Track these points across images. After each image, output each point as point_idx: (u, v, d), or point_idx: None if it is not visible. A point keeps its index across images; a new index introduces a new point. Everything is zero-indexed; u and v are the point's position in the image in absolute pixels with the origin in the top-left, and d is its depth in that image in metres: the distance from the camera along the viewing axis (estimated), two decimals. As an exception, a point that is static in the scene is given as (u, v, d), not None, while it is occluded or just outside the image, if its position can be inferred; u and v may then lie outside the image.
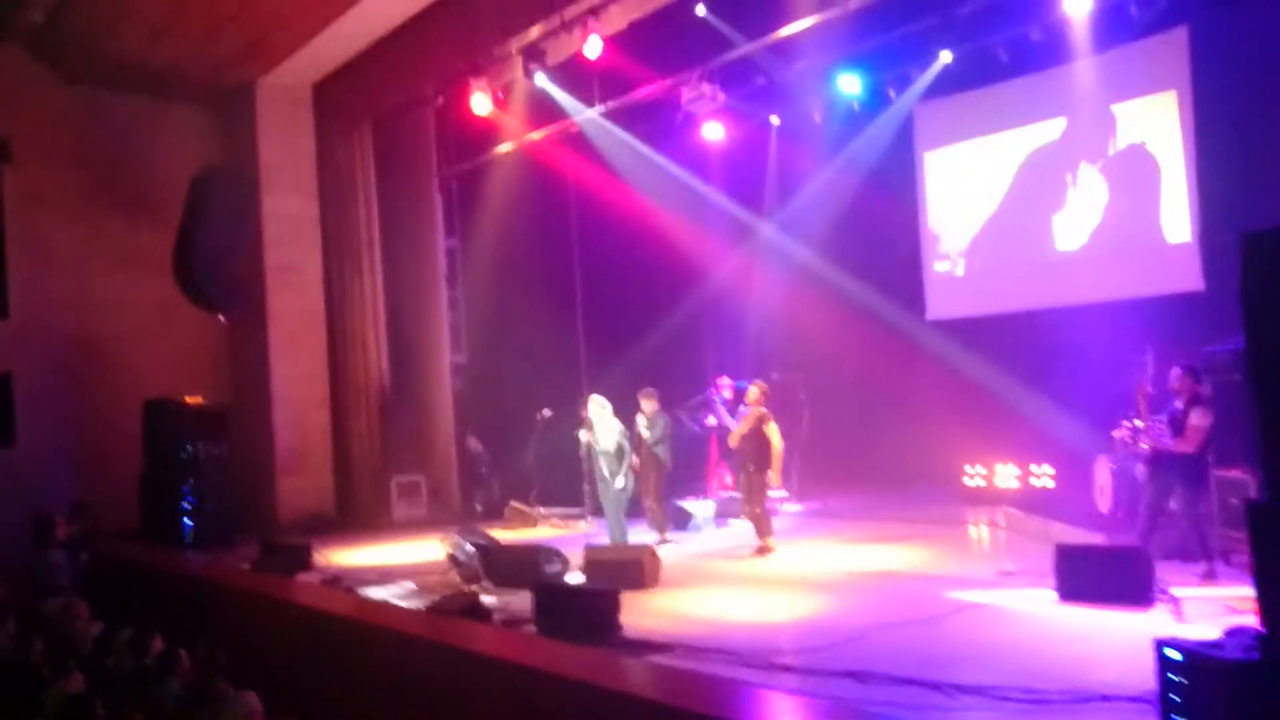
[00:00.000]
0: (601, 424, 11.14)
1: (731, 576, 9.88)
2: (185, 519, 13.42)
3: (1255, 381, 5.18)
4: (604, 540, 11.18)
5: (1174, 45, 11.76)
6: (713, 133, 15.04)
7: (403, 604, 9.23)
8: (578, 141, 14.62)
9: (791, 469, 13.63)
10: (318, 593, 9.96)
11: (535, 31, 12.32)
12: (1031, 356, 12.87)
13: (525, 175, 15.78)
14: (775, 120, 15.70)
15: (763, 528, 10.84)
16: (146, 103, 15.91)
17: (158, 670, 7.31)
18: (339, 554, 12.30)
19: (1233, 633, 5.15)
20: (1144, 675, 5.25)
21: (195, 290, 14.88)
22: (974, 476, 13.33)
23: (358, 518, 15.18)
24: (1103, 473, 10.83)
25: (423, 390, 15.77)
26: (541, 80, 12.76)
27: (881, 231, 15.14)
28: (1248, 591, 5.81)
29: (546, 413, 14.15)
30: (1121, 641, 6.52)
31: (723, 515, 13.05)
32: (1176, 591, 7.47)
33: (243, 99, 15.77)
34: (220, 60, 14.81)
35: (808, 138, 15.22)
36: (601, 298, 15.74)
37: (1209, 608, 7.19)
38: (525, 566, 9.56)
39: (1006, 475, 13.01)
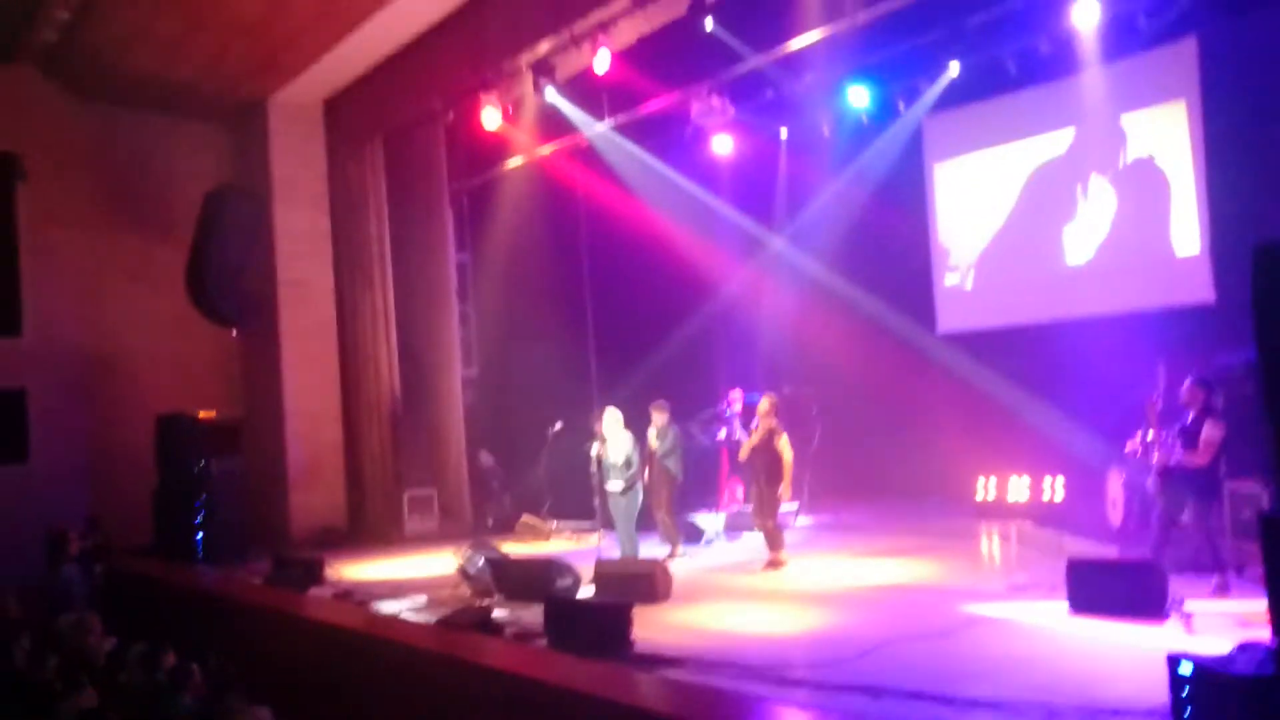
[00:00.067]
0: (614, 437, 11.14)
1: (743, 590, 9.86)
2: (198, 533, 13.46)
3: (1267, 393, 5.18)
4: (615, 554, 11.17)
5: (1183, 55, 11.75)
6: (722, 146, 15.11)
7: (414, 618, 9.24)
8: (588, 156, 14.68)
9: (803, 482, 13.63)
10: (330, 607, 9.98)
11: (545, 46, 12.36)
12: (1042, 369, 12.85)
13: (536, 189, 15.84)
14: (784, 133, 15.71)
15: (774, 541, 10.82)
16: (159, 120, 16.03)
17: (170, 685, 7.32)
18: (351, 568, 12.31)
19: (1245, 647, 5.14)
20: (1157, 690, 5.23)
21: (208, 305, 14.96)
22: (985, 489, 13.30)
23: (370, 532, 15.21)
24: (1115, 485, 10.79)
25: (434, 404, 15.80)
26: (551, 95, 12.80)
27: (891, 244, 15.13)
28: (1261, 605, 5.79)
29: (558, 426, 14.15)
30: (1134, 655, 6.48)
31: (734, 529, 13.03)
32: (1189, 605, 7.44)
33: (255, 115, 15.87)
34: (233, 77, 14.91)
35: (817, 150, 15.23)
36: (612, 311, 15.76)
37: (1222, 621, 7.15)
38: (537, 580, 9.54)
39: (1018, 488, 12.99)
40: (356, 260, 15.94)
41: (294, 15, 13.03)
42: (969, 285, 14.68)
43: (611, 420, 11.21)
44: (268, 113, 15.74)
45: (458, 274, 16.31)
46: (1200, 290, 11.62)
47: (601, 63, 11.59)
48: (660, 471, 11.51)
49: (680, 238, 15.64)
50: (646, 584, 9.21)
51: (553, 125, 14.27)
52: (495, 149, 15.29)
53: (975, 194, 14.48)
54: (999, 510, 12.73)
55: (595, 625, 7.61)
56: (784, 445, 10.77)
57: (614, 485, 11.14)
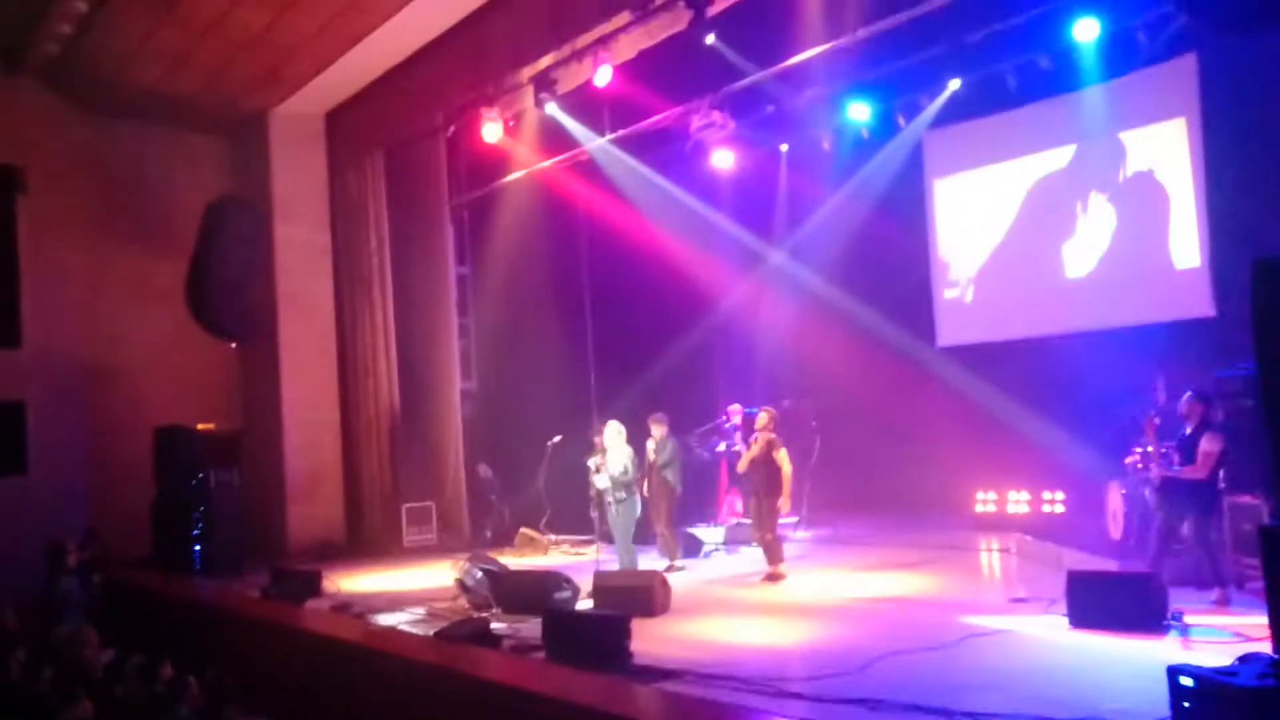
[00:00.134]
0: (614, 448, 11.14)
1: (742, 603, 9.86)
2: (196, 546, 13.43)
3: (1267, 407, 5.19)
4: (614, 567, 11.15)
5: (1183, 73, 11.78)
6: (722, 160, 15.15)
7: (412, 630, 9.22)
8: (588, 170, 14.71)
9: (802, 495, 13.63)
10: (327, 619, 9.94)
11: (546, 61, 12.40)
12: (1042, 382, 12.87)
13: (536, 203, 15.86)
14: (785, 148, 15.75)
15: (773, 554, 10.81)
16: (160, 133, 16.07)
17: (167, 697, 7.29)
18: (349, 581, 12.29)
19: (1246, 659, 5.13)
20: (1157, 702, 5.22)
21: (207, 318, 14.96)
22: (985, 502, 13.33)
23: (368, 544, 15.19)
24: (1115, 498, 10.79)
25: (433, 417, 15.79)
26: (552, 109, 12.85)
27: (891, 258, 15.15)
28: (1261, 618, 5.78)
29: (557, 439, 14.15)
30: (1134, 668, 6.48)
31: (733, 542, 13.04)
32: (1189, 618, 7.43)
33: (256, 128, 15.91)
34: (234, 91, 14.96)
35: (817, 165, 15.27)
36: (612, 325, 15.76)
37: (1222, 634, 7.14)
38: (535, 593, 9.54)
39: (1018, 501, 13.00)
40: (356, 273, 15.96)
41: (296, 29, 13.07)
42: (969, 299, 14.69)
43: (613, 432, 11.22)
44: (269, 126, 15.78)
45: (457, 287, 16.32)
46: (1200, 304, 11.63)
47: (602, 77, 11.63)
48: (659, 484, 11.52)
49: (680, 252, 15.65)
50: (645, 596, 9.20)
51: (553, 139, 14.30)
52: (496, 163, 15.33)
53: (975, 209, 14.51)
54: (999, 522, 12.74)
55: (593, 638, 7.59)
56: (783, 458, 10.77)
57: (612, 495, 11.13)
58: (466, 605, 10.01)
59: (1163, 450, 8.85)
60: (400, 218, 16.12)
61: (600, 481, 11.15)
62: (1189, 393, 8.69)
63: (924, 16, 10.40)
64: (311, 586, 11.33)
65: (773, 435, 10.89)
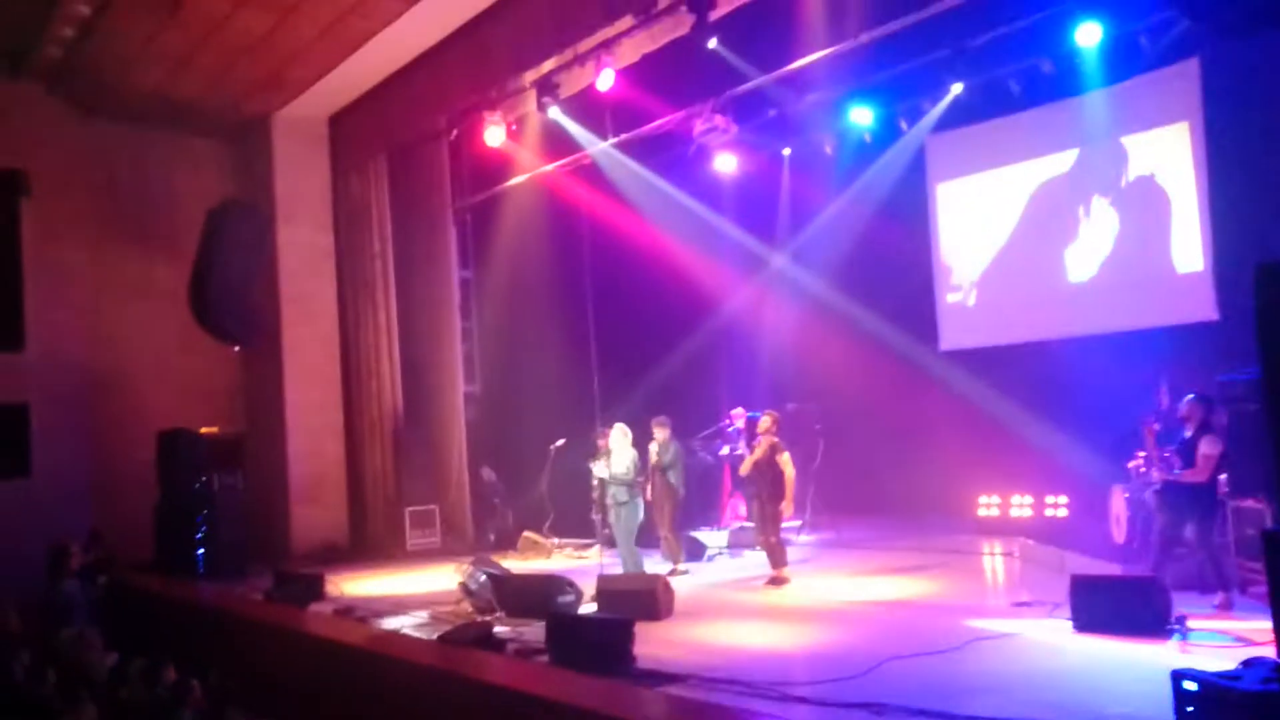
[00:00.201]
0: (618, 451, 11.15)
1: (745, 607, 9.85)
2: (199, 549, 13.44)
3: (1271, 411, 5.19)
4: (618, 570, 11.15)
5: (1185, 77, 11.79)
6: (725, 164, 15.17)
7: (416, 634, 9.22)
8: (591, 173, 14.72)
9: (805, 499, 13.64)
10: (330, 623, 9.96)
11: (548, 65, 12.43)
12: (1045, 387, 12.86)
13: (539, 207, 15.89)
14: (787, 152, 15.78)
15: (777, 558, 10.81)
16: (163, 136, 16.09)
17: (171, 700, 7.30)
18: (352, 584, 12.29)
19: (1250, 664, 5.13)
20: (1161, 707, 5.22)
21: (211, 321, 14.96)
22: (988, 506, 13.32)
23: (371, 548, 15.20)
24: (1118, 503, 10.78)
25: (436, 420, 15.80)
26: (555, 113, 12.87)
27: (894, 262, 15.15)
28: (1265, 623, 5.78)
29: (560, 442, 14.16)
30: (1138, 673, 6.48)
31: (736, 545, 13.04)
32: (1193, 623, 7.43)
33: (259, 132, 15.93)
34: (237, 94, 14.98)
35: (820, 169, 15.28)
36: (615, 329, 15.78)
37: (1226, 639, 7.14)
38: (538, 597, 9.54)
39: (1021, 505, 13.00)
40: (359, 276, 15.98)
41: (299, 33, 13.10)
42: (971, 302, 14.70)
43: (618, 435, 11.23)
44: (272, 129, 15.81)
45: (460, 290, 16.32)
46: (1203, 308, 11.63)
47: (604, 81, 11.65)
48: (663, 486, 11.52)
49: (683, 255, 15.68)
50: (648, 600, 9.20)
51: (556, 143, 14.32)
52: (498, 166, 15.35)
53: (978, 213, 14.52)
54: (1002, 527, 12.73)
55: (597, 641, 7.59)
56: (786, 461, 10.78)
57: (613, 495, 11.14)
58: (470, 609, 10.00)
59: (1163, 455, 8.85)
60: (403, 221, 16.14)
61: (599, 470, 11.16)
62: (1190, 395, 8.69)
63: (926, 21, 10.42)
64: (315, 590, 11.34)
65: (776, 439, 10.90)
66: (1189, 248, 12.08)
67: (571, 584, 9.80)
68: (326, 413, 15.91)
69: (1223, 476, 8.91)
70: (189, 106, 15.25)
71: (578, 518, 13.35)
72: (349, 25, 12.89)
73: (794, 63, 11.57)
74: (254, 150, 16.21)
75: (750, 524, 12.17)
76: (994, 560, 11.66)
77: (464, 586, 10.25)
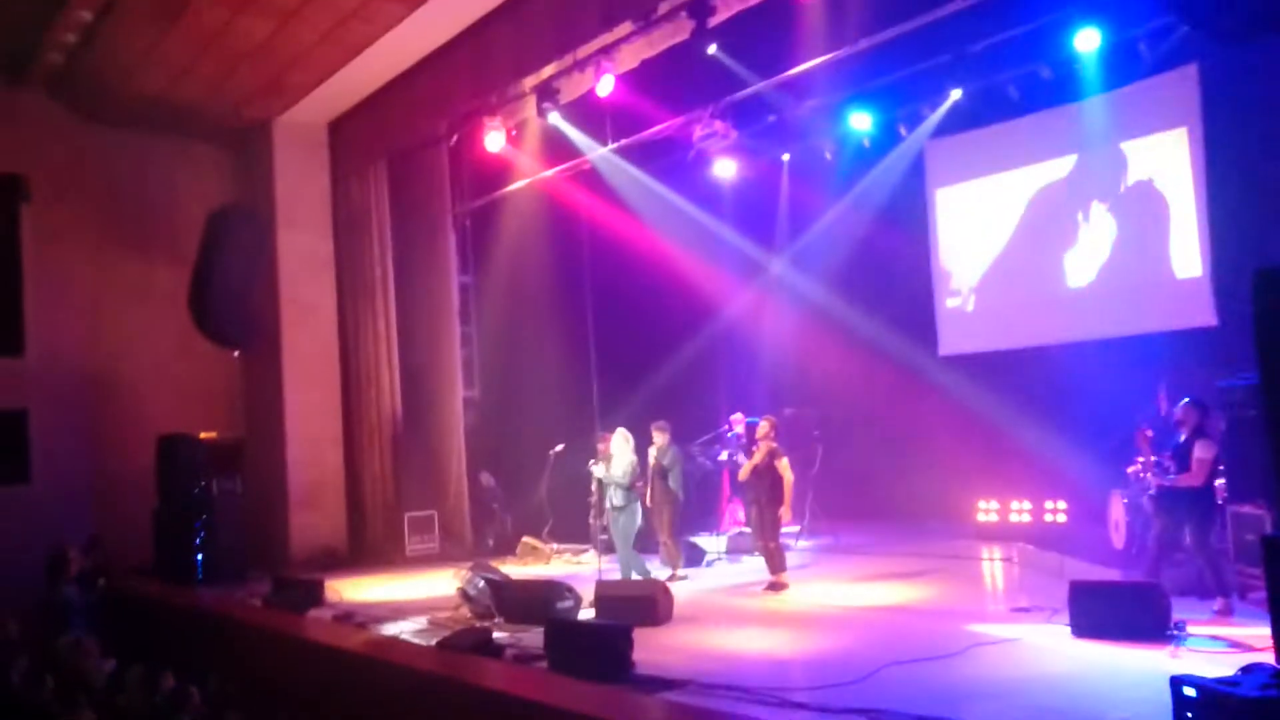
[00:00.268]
0: (619, 456, 11.15)
1: (744, 612, 9.85)
2: (198, 554, 13.42)
3: (1270, 416, 5.19)
4: (616, 575, 11.15)
5: (1184, 83, 11.79)
6: (724, 169, 15.20)
7: (415, 640, 9.21)
8: (590, 179, 14.72)
9: (804, 504, 13.64)
10: (329, 628, 9.96)
11: (549, 70, 12.42)
12: (1044, 392, 12.88)
13: (538, 212, 15.89)
14: (786, 157, 15.78)
15: (776, 563, 10.81)
16: (163, 141, 16.08)
17: (169, 707, 7.30)
18: (351, 589, 12.27)
19: (1249, 670, 5.13)
20: (1160, 712, 5.21)
21: (210, 326, 14.98)
22: (987, 511, 13.32)
23: (370, 553, 15.17)
24: (1117, 508, 10.79)
25: (435, 425, 15.79)
26: (554, 118, 12.86)
27: (893, 267, 15.17)
28: (1264, 628, 5.78)
29: (559, 448, 14.16)
30: (1137, 678, 6.47)
31: (735, 551, 13.04)
32: (1192, 628, 7.43)
33: (259, 137, 15.93)
34: (237, 99, 14.98)
35: (819, 174, 15.29)
36: (614, 334, 15.78)
37: (1225, 645, 7.14)
38: (537, 602, 9.53)
39: (1019, 510, 13.00)
40: (359, 281, 15.97)
41: (300, 38, 13.10)
42: (970, 308, 14.70)
43: (619, 439, 11.23)
44: (272, 134, 15.79)
45: (460, 295, 16.32)
46: (1202, 313, 11.63)
47: (604, 87, 11.65)
48: (662, 491, 11.51)
49: (682, 261, 15.69)
50: (647, 606, 9.20)
51: (556, 148, 14.32)
52: (498, 172, 15.35)
53: (977, 218, 14.52)
54: (1001, 532, 12.73)
55: (596, 647, 7.58)
56: (785, 467, 10.78)
57: (610, 498, 11.14)
58: (469, 614, 10.00)
59: (1159, 460, 8.86)
60: (403, 226, 16.14)
61: (598, 471, 11.16)
62: (1186, 399, 8.70)
63: (925, 26, 10.42)
64: (314, 595, 11.32)
65: (774, 444, 10.90)
66: (1188, 253, 12.08)
67: (570, 589, 9.80)
68: (326, 418, 15.89)
69: (1220, 482, 8.93)
70: (190, 112, 15.25)
71: (577, 523, 13.36)
72: (349, 31, 12.89)
73: (793, 68, 11.57)
74: (254, 155, 16.21)
75: (749, 529, 12.17)
76: (993, 566, 11.65)
77: (463, 592, 10.24)
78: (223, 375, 16.18)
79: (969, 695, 6.35)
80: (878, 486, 14.97)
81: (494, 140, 13.46)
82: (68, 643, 9.67)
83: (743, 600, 10.46)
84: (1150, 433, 9.36)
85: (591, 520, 11.87)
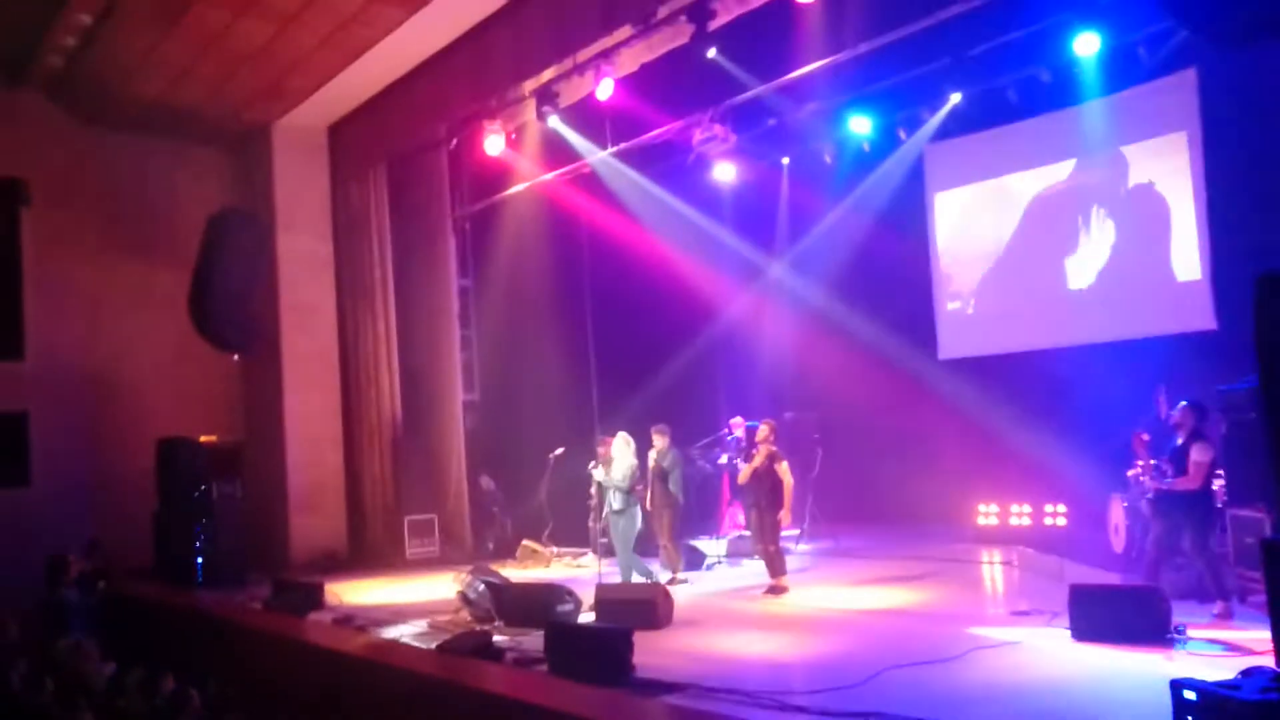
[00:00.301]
0: (619, 459, 11.15)
1: (745, 616, 9.85)
2: (198, 557, 13.42)
3: (1270, 420, 5.19)
4: (616, 579, 11.15)
5: (1183, 87, 11.81)
6: (724, 173, 15.21)
7: (415, 643, 9.21)
8: (590, 182, 14.73)
9: (804, 508, 13.65)
10: (329, 632, 9.95)
11: (548, 74, 12.44)
12: (1044, 395, 12.88)
13: (538, 215, 15.90)
14: (786, 161, 15.79)
15: (776, 566, 10.81)
16: (163, 145, 16.10)
17: (169, 710, 7.30)
18: (351, 593, 12.28)
19: (1249, 673, 5.13)
20: (1160, 716, 5.21)
21: (210, 330, 14.98)
22: (987, 515, 13.32)
23: (370, 556, 15.17)
24: (1116, 512, 10.79)
25: (435, 428, 15.80)
26: (554, 122, 12.88)
27: (893, 270, 15.18)
28: (1264, 632, 5.78)
29: (559, 451, 14.16)
30: (1137, 682, 6.47)
31: (735, 554, 13.04)
32: (1192, 632, 7.44)
33: (259, 141, 15.95)
34: (237, 103, 15.00)
35: (819, 178, 15.30)
36: (614, 337, 15.78)
37: (1225, 648, 7.14)
38: (537, 606, 9.52)
39: (1019, 514, 13.00)
40: (359, 285, 15.98)
41: (300, 42, 13.11)
42: (970, 311, 14.71)
43: (620, 443, 11.23)
44: (272, 138, 15.81)
45: (460, 298, 16.33)
46: (1202, 317, 11.64)
47: (604, 90, 11.66)
48: (662, 495, 11.51)
49: (682, 264, 15.69)
50: (647, 609, 9.20)
51: (555, 152, 14.34)
52: (498, 175, 15.37)
53: (976, 222, 14.53)
54: (1001, 536, 12.73)
55: (596, 651, 7.58)
56: (784, 470, 10.78)
57: (613, 503, 11.14)
58: (469, 618, 10.00)
59: (1156, 463, 8.87)
60: (403, 230, 16.15)
61: (598, 474, 11.16)
62: (1183, 402, 8.71)
63: (925, 30, 10.44)
64: (313, 599, 11.31)
65: (774, 447, 10.90)
66: (1187, 257, 12.09)
67: (570, 593, 9.79)
68: (326, 421, 15.90)
69: (1219, 485, 8.93)
70: (189, 115, 15.27)
71: (577, 526, 13.37)
72: (349, 34, 12.91)
73: (793, 72, 11.58)
74: (254, 159, 16.22)
75: (749, 533, 12.17)
76: (993, 569, 11.66)
77: (463, 595, 10.24)
78: (223, 378, 16.18)
79: (969, 699, 6.35)
80: (878, 490, 14.97)
81: (494, 144, 13.48)
82: (67, 645, 9.66)
83: (743, 604, 10.46)
84: (1146, 436, 9.37)
85: (590, 523, 11.83)
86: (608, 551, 11.57)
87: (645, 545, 11.69)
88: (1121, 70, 11.55)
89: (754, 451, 11.12)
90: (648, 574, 11.25)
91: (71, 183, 15.42)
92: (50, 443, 14.95)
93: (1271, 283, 5.26)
